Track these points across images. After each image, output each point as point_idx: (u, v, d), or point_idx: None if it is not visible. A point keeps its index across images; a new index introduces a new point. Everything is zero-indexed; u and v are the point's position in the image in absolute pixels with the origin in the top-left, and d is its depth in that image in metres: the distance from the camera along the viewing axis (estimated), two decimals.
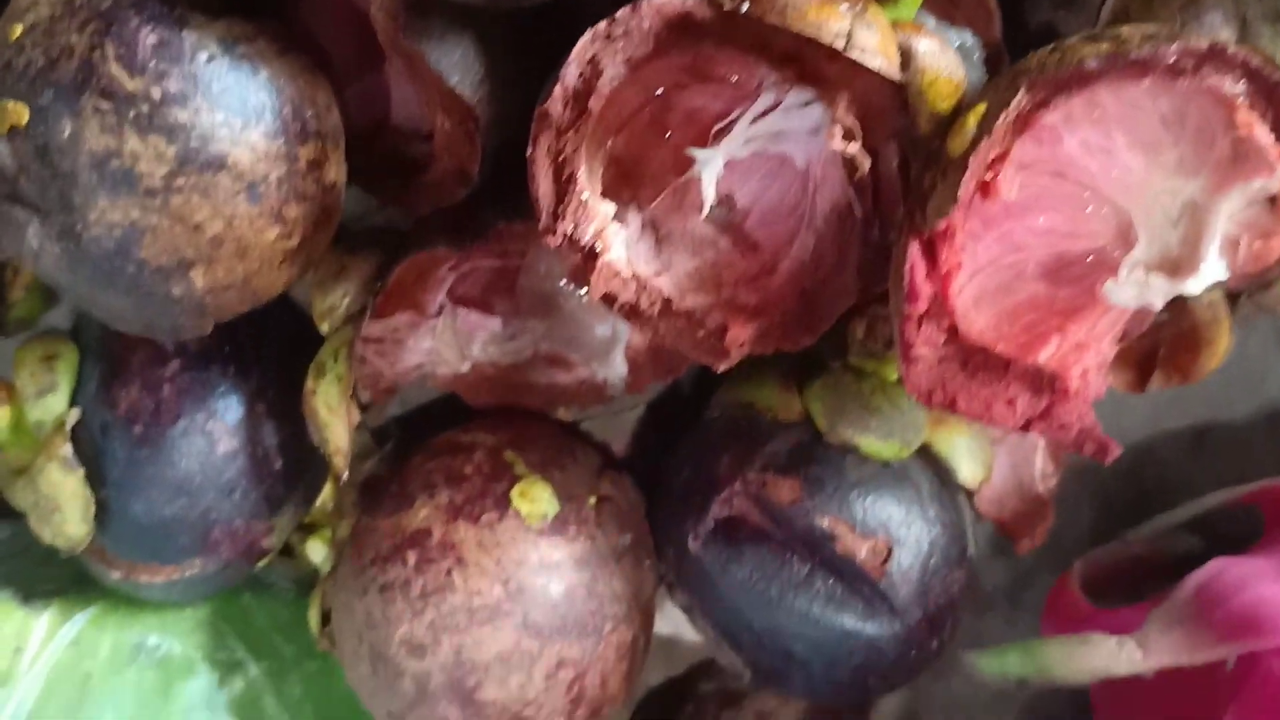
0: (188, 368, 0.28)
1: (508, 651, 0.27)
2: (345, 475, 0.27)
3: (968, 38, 0.24)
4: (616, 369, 0.31)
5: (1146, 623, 0.24)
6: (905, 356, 0.23)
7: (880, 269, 0.25)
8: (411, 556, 0.28)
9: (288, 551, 0.35)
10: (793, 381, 0.30)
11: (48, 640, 0.30)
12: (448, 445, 0.30)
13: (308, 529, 0.33)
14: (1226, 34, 0.22)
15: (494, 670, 0.27)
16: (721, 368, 0.24)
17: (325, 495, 0.33)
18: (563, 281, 0.30)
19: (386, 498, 0.29)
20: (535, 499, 0.28)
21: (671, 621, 0.36)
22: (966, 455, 0.29)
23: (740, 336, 0.24)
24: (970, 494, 0.29)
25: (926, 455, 0.29)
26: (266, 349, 0.29)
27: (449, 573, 0.27)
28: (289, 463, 0.29)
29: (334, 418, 0.27)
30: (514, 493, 0.28)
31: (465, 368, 0.30)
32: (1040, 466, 0.32)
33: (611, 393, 0.32)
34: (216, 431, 0.28)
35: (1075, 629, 0.29)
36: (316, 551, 0.33)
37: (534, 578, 0.28)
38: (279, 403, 0.29)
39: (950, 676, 0.36)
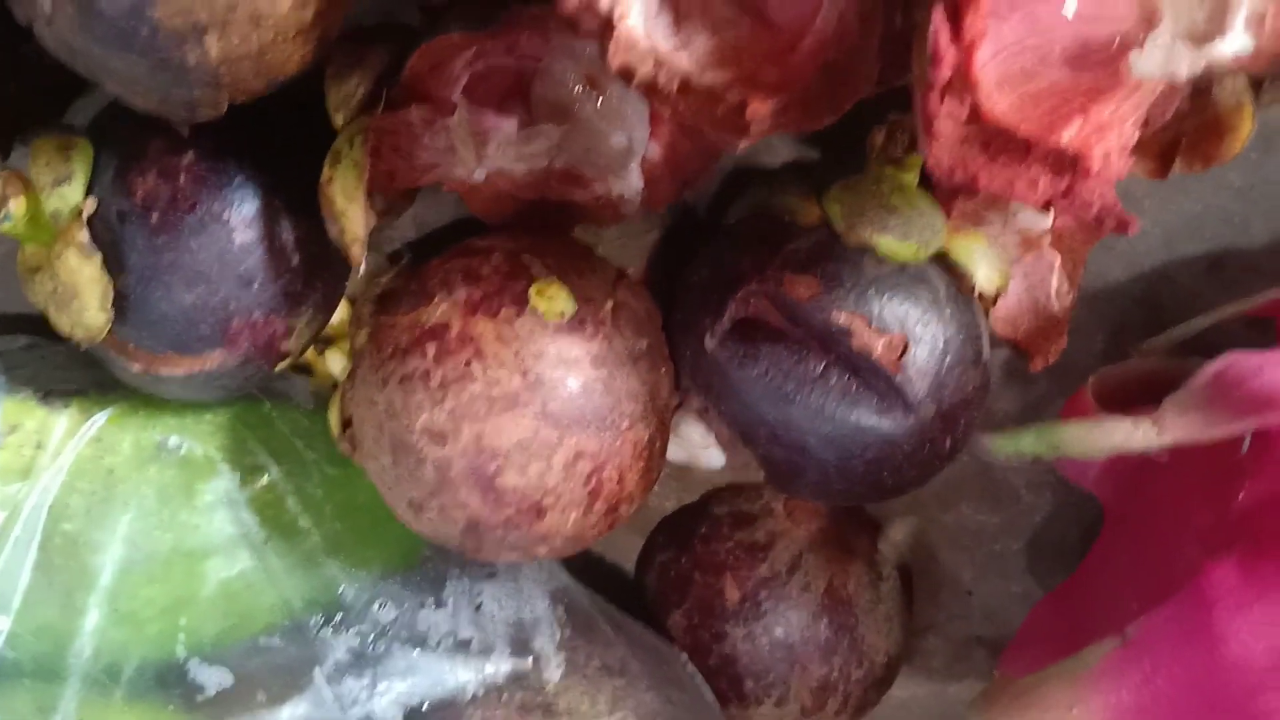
0: (204, 157, 0.28)
1: (527, 439, 0.28)
2: (362, 266, 0.27)
3: None
4: (632, 183, 0.31)
5: (1163, 406, 0.25)
6: (927, 130, 0.23)
7: (901, 58, 0.24)
8: (431, 349, 0.28)
9: (306, 370, 0.35)
10: (811, 188, 0.30)
11: (68, 436, 0.30)
12: (465, 249, 0.30)
13: (326, 342, 0.34)
14: None
15: (514, 457, 0.28)
16: (743, 145, 0.24)
17: (342, 312, 0.34)
18: (579, 88, 0.30)
19: (405, 296, 0.29)
20: (553, 297, 0.28)
21: (685, 451, 0.37)
22: (984, 262, 0.29)
23: (761, 111, 0.24)
24: (987, 301, 0.30)
25: (944, 261, 0.29)
26: (285, 145, 0.29)
27: (468, 363, 0.28)
28: (307, 259, 0.29)
29: (351, 205, 0.27)
30: (532, 290, 0.28)
31: (480, 175, 0.30)
32: (1056, 286, 0.32)
33: (627, 209, 0.32)
34: (233, 221, 0.28)
35: None
36: (335, 362, 0.33)
37: (552, 370, 0.28)
38: (297, 199, 0.29)
39: (959, 504, 0.37)
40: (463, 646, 0.30)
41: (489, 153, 0.29)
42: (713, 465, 0.36)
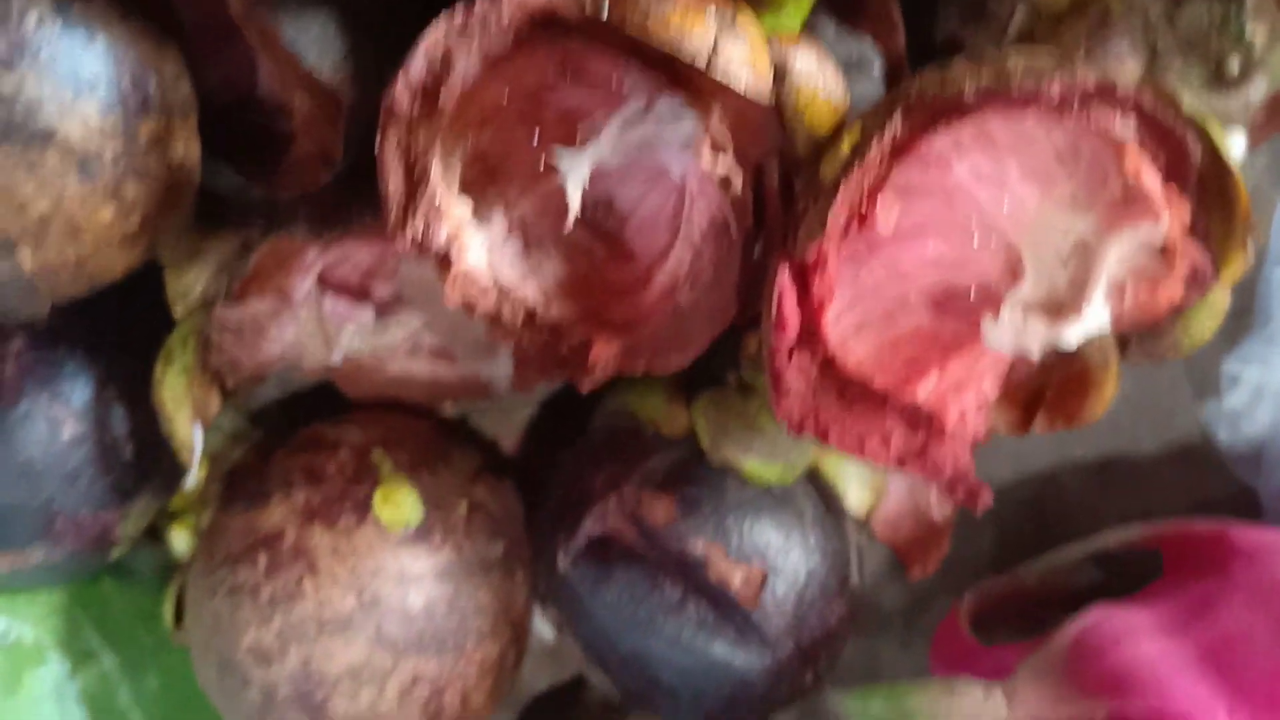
0: (32, 346, 0.26)
1: (359, 665, 0.26)
2: (193, 473, 0.26)
3: (868, 49, 0.23)
4: (501, 367, 0.30)
5: (1017, 672, 0.23)
6: (775, 386, 0.22)
7: (759, 287, 0.23)
8: (263, 559, 0.26)
9: (155, 535, 0.33)
10: (681, 394, 0.29)
11: None
12: (312, 440, 0.28)
13: (173, 515, 0.32)
14: (1133, 64, 0.21)
15: (344, 684, 0.26)
16: (585, 388, 0.23)
17: (199, 475, 0.32)
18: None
19: (243, 492, 0.28)
20: (398, 505, 0.27)
21: (556, 631, 0.35)
22: (855, 481, 0.28)
23: (605, 354, 0.22)
24: (858, 521, 0.28)
25: (814, 479, 0.28)
26: (121, 330, 0.27)
27: (300, 580, 0.26)
28: (141, 451, 0.27)
29: (178, 411, 0.25)
30: (376, 497, 0.27)
31: (336, 359, 0.29)
32: (938, 493, 0.31)
33: (497, 392, 0.31)
34: (61, 415, 0.26)
35: (960, 664, 0.29)
36: (180, 540, 0.31)
37: (391, 589, 0.26)
38: (132, 388, 0.27)
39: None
40: None
41: (343, 341, 0.28)
42: None
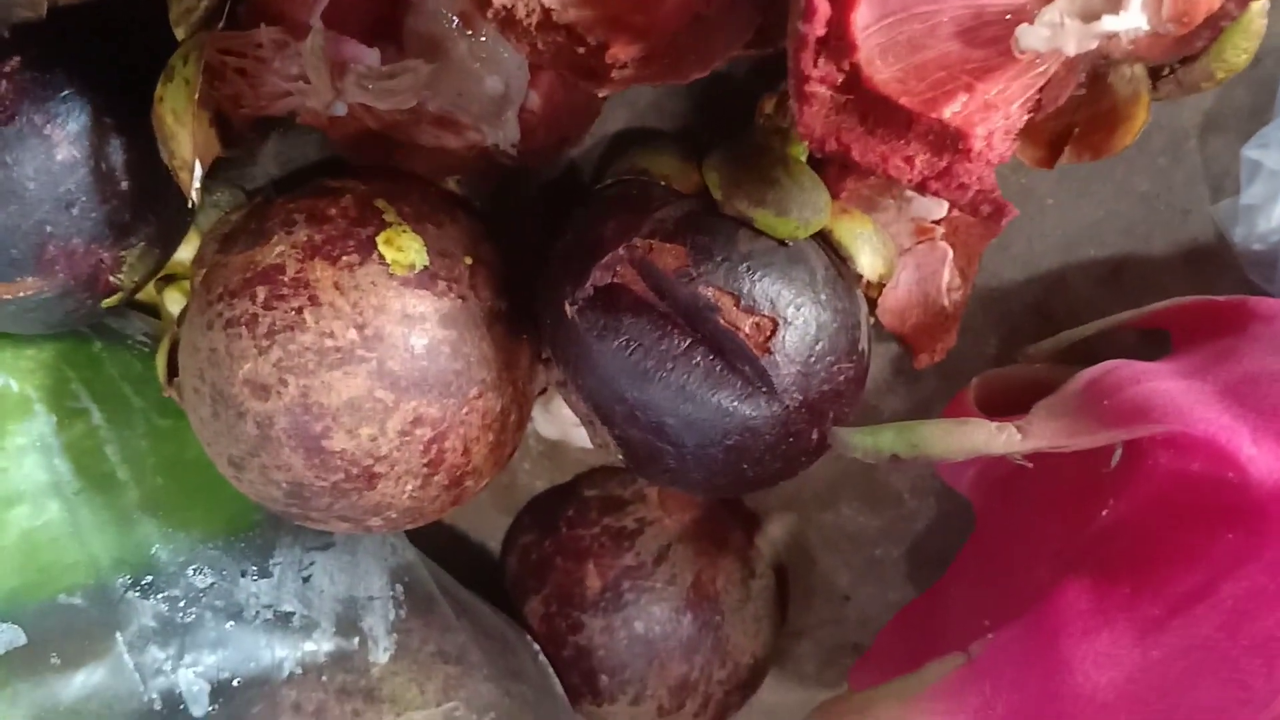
0: (29, 66, 0.25)
1: (359, 399, 0.25)
2: (193, 194, 0.25)
3: None
4: (509, 132, 0.29)
5: (1033, 411, 0.23)
6: (799, 93, 0.21)
7: (783, 13, 0.23)
8: (261, 292, 0.26)
9: (152, 311, 0.33)
10: (692, 155, 0.28)
11: None
12: (315, 189, 0.28)
13: (167, 279, 0.31)
14: None
15: (343, 418, 0.25)
16: (603, 92, 0.22)
17: (190, 248, 0.31)
18: (453, 24, 0.28)
19: (242, 235, 0.27)
20: (403, 248, 0.26)
21: (558, 427, 0.35)
22: (868, 247, 0.27)
23: (621, 56, 0.22)
24: (872, 290, 0.28)
25: (826, 243, 0.27)
26: (123, 58, 0.26)
27: (300, 310, 0.25)
28: (137, 187, 0.27)
29: (179, 127, 0.24)
30: (380, 238, 0.26)
31: (340, 109, 0.28)
32: (947, 280, 0.30)
33: (502, 159, 0.30)
34: (55, 137, 0.25)
35: None
36: (174, 302, 0.31)
37: (394, 326, 0.26)
38: (132, 121, 0.26)
39: (839, 505, 0.35)
40: (283, 620, 0.28)
41: (347, 85, 0.27)
42: (587, 444, 0.34)
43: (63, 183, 0.25)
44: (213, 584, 0.28)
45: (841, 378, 0.26)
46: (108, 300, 0.28)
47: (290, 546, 0.29)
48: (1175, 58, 0.22)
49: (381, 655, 0.28)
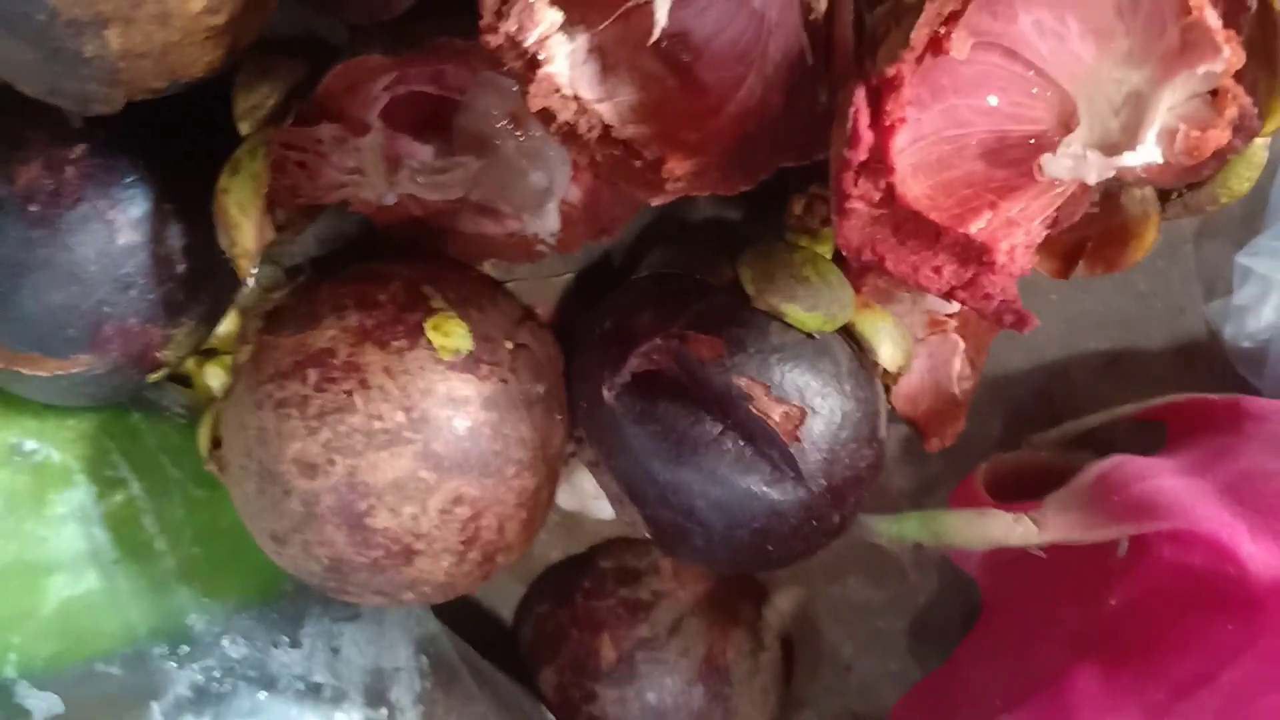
0: (95, 152, 0.26)
1: (404, 479, 0.26)
2: (250, 280, 0.26)
3: None
4: (549, 222, 0.30)
5: (1045, 503, 0.25)
6: (840, 209, 0.23)
7: (824, 133, 0.24)
8: (313, 375, 0.27)
9: (184, 381, 0.33)
10: (724, 249, 0.30)
11: None
12: (363, 272, 0.29)
13: (207, 354, 0.32)
14: None
15: (387, 497, 0.26)
16: (656, 201, 0.24)
17: (230, 324, 0.32)
18: (502, 123, 0.29)
19: (291, 318, 0.28)
20: (449, 333, 0.27)
21: (576, 499, 0.36)
22: (888, 340, 0.29)
23: (677, 170, 0.23)
24: (889, 378, 0.29)
25: (850, 335, 0.29)
26: (184, 146, 0.28)
27: (350, 394, 0.26)
28: (192, 269, 0.28)
29: (244, 218, 0.25)
30: (428, 324, 0.27)
31: (390, 199, 0.29)
32: (958, 369, 0.32)
33: (541, 248, 0.31)
34: (118, 221, 0.26)
35: None
36: (215, 377, 0.31)
37: (439, 409, 0.27)
38: (189, 205, 0.27)
39: (846, 578, 0.36)
40: (314, 691, 0.29)
41: (400, 178, 0.28)
42: (603, 516, 0.35)
43: (123, 265, 0.26)
44: (246, 654, 0.29)
45: (863, 464, 0.28)
46: (153, 375, 0.29)
47: (320, 617, 0.30)
48: (1184, 183, 0.24)
49: None
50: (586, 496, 0.35)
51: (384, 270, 0.29)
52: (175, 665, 0.28)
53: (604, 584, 0.35)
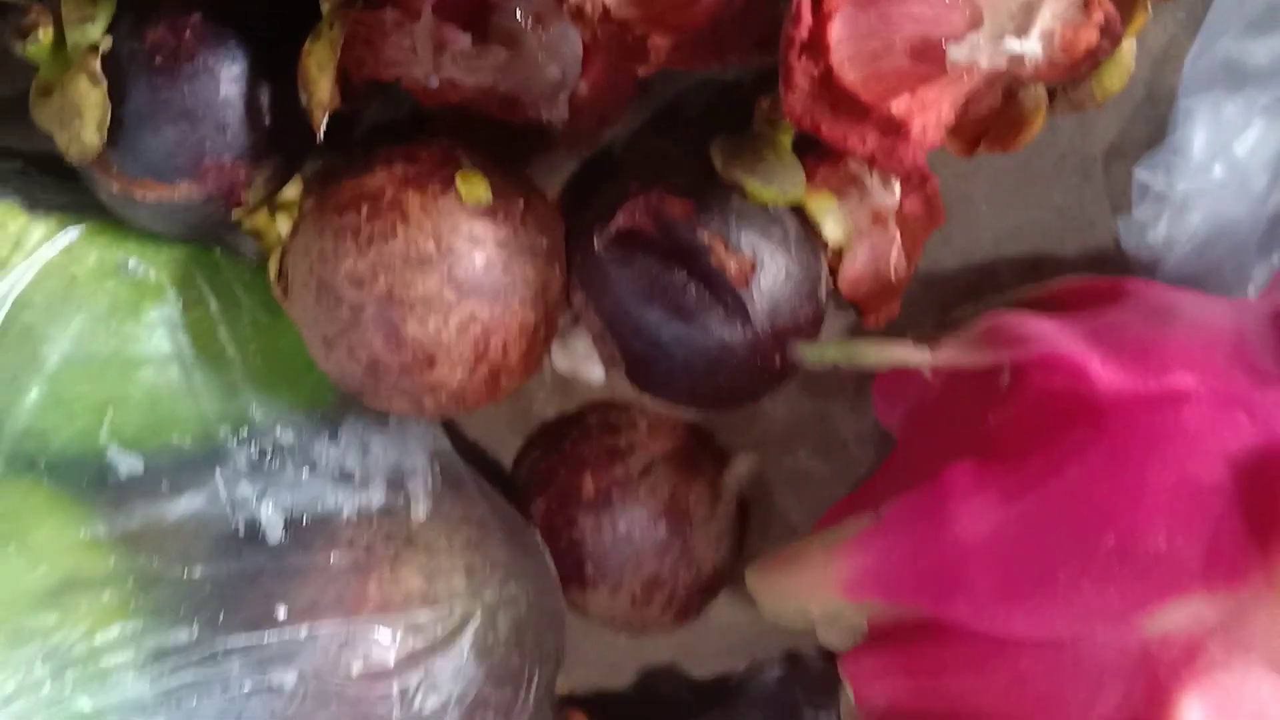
0: (208, 19, 0.33)
1: (431, 296, 0.33)
2: (321, 130, 0.33)
3: None
4: (560, 110, 0.37)
5: (942, 340, 0.31)
6: (786, 81, 0.29)
7: (775, 33, 0.31)
8: (365, 208, 0.33)
9: (256, 236, 0.40)
10: (704, 140, 0.36)
11: (43, 240, 0.35)
12: (409, 139, 0.36)
13: (276, 209, 0.39)
14: None
15: (417, 309, 0.33)
16: (641, 71, 0.30)
17: (294, 189, 0.39)
18: (528, 22, 0.36)
19: (351, 168, 0.35)
20: (474, 185, 0.34)
21: (570, 361, 0.42)
22: (832, 219, 0.35)
23: (660, 45, 0.30)
24: (834, 258, 0.35)
25: (800, 214, 0.35)
26: (277, 23, 0.34)
27: (394, 225, 0.33)
28: (277, 123, 0.34)
29: (322, 75, 0.32)
30: (458, 176, 0.34)
31: (434, 81, 0.36)
32: (895, 259, 0.38)
33: (554, 135, 0.38)
34: (222, 76, 0.33)
35: (896, 388, 0.36)
36: (284, 222, 0.38)
37: (462, 243, 0.33)
38: (279, 72, 0.34)
39: (797, 450, 0.42)
40: (347, 477, 0.35)
41: (444, 61, 0.35)
42: (594, 379, 0.41)
43: (223, 111, 0.33)
44: (294, 442, 0.35)
45: (802, 316, 0.34)
46: (236, 211, 0.35)
47: (354, 422, 0.37)
48: (1067, 81, 0.30)
49: (420, 512, 0.35)
50: (579, 359, 0.41)
51: (426, 139, 0.35)
52: (236, 443, 0.35)
53: (589, 434, 0.41)
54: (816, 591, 0.30)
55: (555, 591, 0.38)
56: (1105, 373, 0.28)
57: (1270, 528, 0.25)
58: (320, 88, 0.32)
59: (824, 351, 0.30)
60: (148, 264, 0.36)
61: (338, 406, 0.37)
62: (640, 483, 0.40)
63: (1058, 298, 0.35)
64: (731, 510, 0.41)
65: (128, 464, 0.34)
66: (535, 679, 0.36)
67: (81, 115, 0.33)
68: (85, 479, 0.34)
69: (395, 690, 0.32)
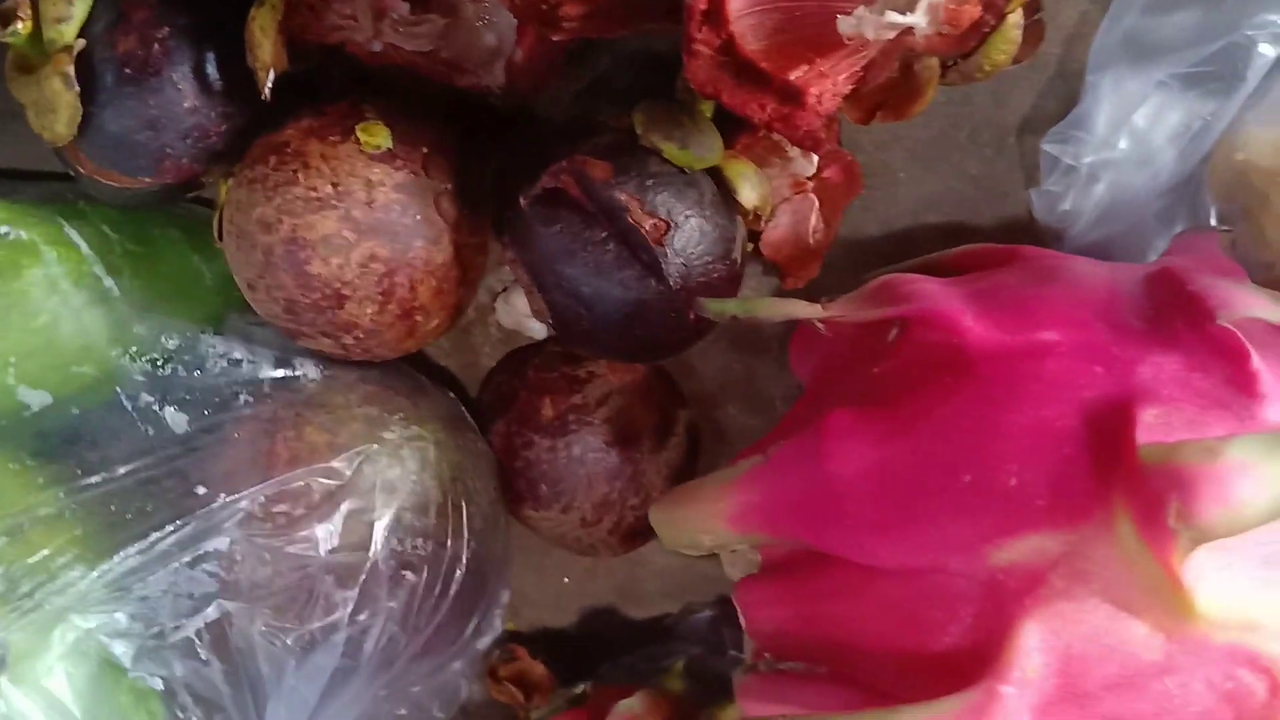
0: (175, 36, 0.35)
1: (331, 235, 0.35)
2: (268, 89, 0.35)
3: None
4: (497, 76, 0.39)
5: (835, 298, 0.32)
6: (688, 50, 0.31)
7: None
8: (273, 159, 0.35)
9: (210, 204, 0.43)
10: (628, 106, 0.38)
11: None
12: (324, 97, 0.37)
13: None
14: None
15: (319, 249, 0.35)
16: (555, 37, 0.32)
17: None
18: None
19: (269, 127, 0.37)
20: (374, 134, 0.36)
21: (513, 318, 0.44)
22: (747, 184, 0.37)
23: (571, 14, 0.31)
24: (753, 222, 0.37)
25: (718, 179, 0.37)
26: (231, 40, 0.35)
27: (295, 172, 0.35)
28: (230, 131, 0.37)
29: (265, 39, 0.34)
30: (359, 127, 0.36)
31: (377, 46, 0.38)
32: (814, 224, 0.40)
33: (490, 97, 0.40)
34: (186, 91, 0.35)
35: (808, 337, 0.38)
36: (224, 189, 0.40)
37: (358, 186, 0.35)
38: (236, 83, 0.36)
39: (728, 406, 0.44)
40: (235, 364, 0.39)
41: (384, 27, 0.37)
42: (535, 334, 0.43)
43: (185, 122, 0.36)
44: (179, 344, 0.38)
45: (715, 275, 0.36)
46: (190, 193, 0.38)
47: (236, 321, 0.40)
48: (958, 54, 0.32)
49: (315, 374, 0.39)
50: (520, 315, 0.43)
51: (338, 98, 0.37)
52: (129, 361, 0.38)
53: (551, 362, 0.42)
54: (707, 524, 0.32)
55: (471, 434, 0.41)
56: (977, 327, 0.30)
57: (1111, 471, 0.27)
58: (264, 49, 0.34)
59: (725, 305, 0.32)
60: (18, 228, 0.38)
61: (224, 311, 0.40)
62: (596, 411, 0.41)
63: (958, 261, 0.36)
64: (681, 446, 0.43)
65: (38, 399, 0.37)
66: (465, 510, 0.39)
67: (55, 110, 0.35)
68: (3, 419, 0.37)
69: (319, 532, 0.35)
